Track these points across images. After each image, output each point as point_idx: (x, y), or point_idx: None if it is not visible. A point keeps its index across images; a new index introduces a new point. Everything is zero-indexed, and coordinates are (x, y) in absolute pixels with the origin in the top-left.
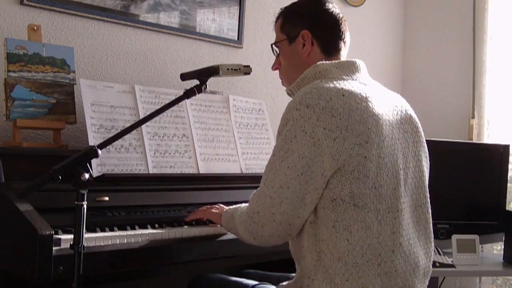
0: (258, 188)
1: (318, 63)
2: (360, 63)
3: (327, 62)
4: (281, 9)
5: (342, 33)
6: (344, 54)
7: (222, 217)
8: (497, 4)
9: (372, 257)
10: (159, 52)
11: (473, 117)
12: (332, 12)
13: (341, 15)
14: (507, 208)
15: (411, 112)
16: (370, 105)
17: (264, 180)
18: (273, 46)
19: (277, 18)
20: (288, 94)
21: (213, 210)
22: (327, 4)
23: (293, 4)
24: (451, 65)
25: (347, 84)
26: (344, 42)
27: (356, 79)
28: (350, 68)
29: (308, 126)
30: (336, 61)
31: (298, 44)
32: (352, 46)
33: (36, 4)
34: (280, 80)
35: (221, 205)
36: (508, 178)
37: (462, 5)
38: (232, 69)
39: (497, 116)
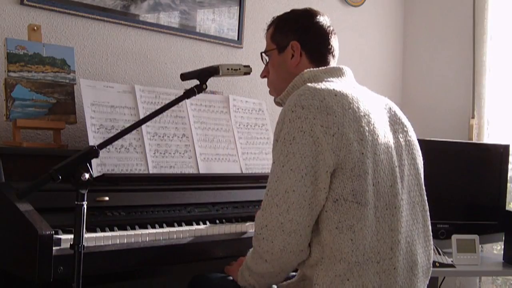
0: (262, 203)
1: (305, 70)
2: (347, 69)
3: (314, 69)
4: (273, 17)
5: (331, 46)
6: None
7: (238, 273)
8: (497, 4)
9: (372, 255)
10: (159, 52)
11: (473, 117)
12: (322, 25)
13: (331, 29)
14: (507, 208)
15: (400, 113)
16: (362, 105)
17: (267, 190)
18: (263, 54)
19: (269, 26)
20: (278, 103)
21: (231, 267)
22: (318, 17)
23: (285, 14)
24: (451, 65)
25: (337, 86)
26: (333, 56)
27: (344, 82)
28: (337, 73)
29: (305, 125)
30: (323, 67)
31: (287, 54)
32: (352, 46)
33: (36, 4)
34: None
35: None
36: (508, 178)
37: (462, 5)
38: (232, 69)
39: (497, 116)
